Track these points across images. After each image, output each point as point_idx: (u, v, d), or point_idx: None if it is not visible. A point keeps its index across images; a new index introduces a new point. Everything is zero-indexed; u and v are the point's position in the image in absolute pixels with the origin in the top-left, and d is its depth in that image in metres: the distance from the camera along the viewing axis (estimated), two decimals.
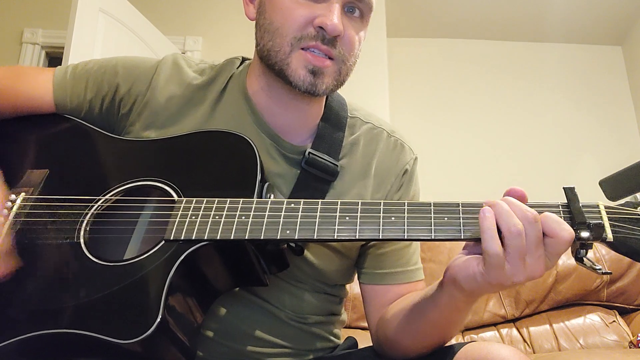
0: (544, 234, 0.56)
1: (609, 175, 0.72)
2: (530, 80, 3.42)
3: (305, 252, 0.80)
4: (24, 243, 0.69)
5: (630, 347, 1.62)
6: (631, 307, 1.79)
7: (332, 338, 0.90)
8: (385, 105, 2.94)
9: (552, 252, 0.57)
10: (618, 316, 1.75)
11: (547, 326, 1.73)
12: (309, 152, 0.81)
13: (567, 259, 1.78)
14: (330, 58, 0.76)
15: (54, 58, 2.97)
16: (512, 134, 3.30)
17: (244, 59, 0.91)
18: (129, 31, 2.57)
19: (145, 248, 0.66)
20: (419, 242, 0.89)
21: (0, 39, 2.96)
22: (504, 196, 0.62)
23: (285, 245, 0.71)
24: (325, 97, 0.88)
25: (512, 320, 1.77)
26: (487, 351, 0.63)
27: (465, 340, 1.69)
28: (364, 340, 0.90)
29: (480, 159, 3.22)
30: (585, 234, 0.57)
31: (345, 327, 0.96)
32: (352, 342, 0.92)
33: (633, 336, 1.66)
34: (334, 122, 0.86)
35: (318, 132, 0.85)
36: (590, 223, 0.57)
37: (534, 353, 1.68)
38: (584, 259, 0.58)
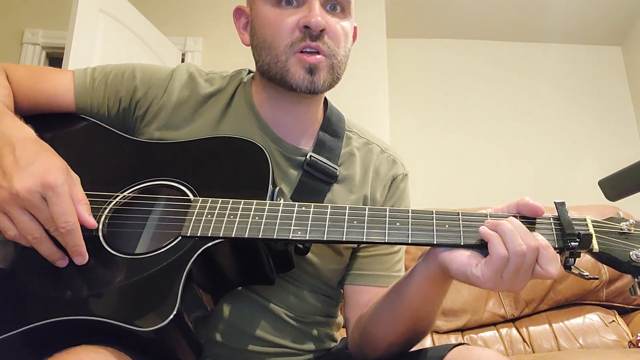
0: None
1: (608, 175, 0.72)
2: (530, 81, 3.42)
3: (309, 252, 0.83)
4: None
5: (629, 347, 1.62)
6: (630, 306, 1.79)
7: (328, 339, 0.92)
8: (384, 105, 2.94)
9: (536, 275, 0.62)
10: (617, 316, 1.75)
11: (547, 326, 1.73)
12: (310, 155, 0.86)
13: None
14: (321, 54, 0.81)
15: (54, 58, 2.97)
16: (512, 133, 3.31)
17: (250, 71, 0.97)
18: (129, 31, 2.57)
19: (160, 243, 0.69)
20: (403, 254, 0.93)
21: (0, 39, 2.96)
22: (517, 204, 0.66)
23: (293, 247, 0.75)
24: (323, 103, 0.93)
25: (512, 320, 1.78)
26: (470, 353, 0.68)
27: (465, 340, 1.70)
28: None
29: (479, 159, 3.23)
30: (574, 244, 0.62)
31: (344, 327, 0.98)
32: (346, 343, 0.93)
33: (632, 336, 1.66)
34: (333, 132, 0.92)
35: (318, 139, 0.90)
36: (580, 233, 0.61)
37: (533, 352, 1.68)
38: (572, 267, 0.63)
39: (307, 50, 0.80)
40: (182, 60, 2.98)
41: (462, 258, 0.63)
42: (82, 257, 0.67)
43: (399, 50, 3.38)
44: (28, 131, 0.73)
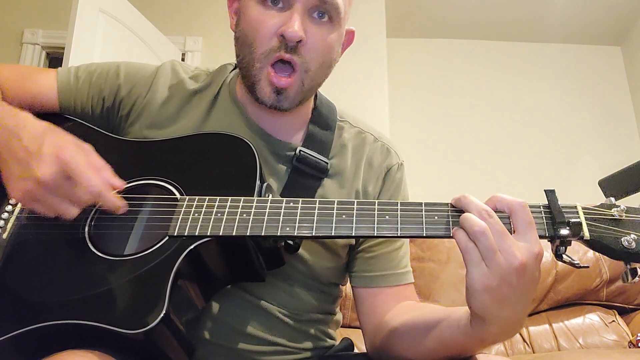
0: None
1: (608, 175, 0.72)
2: (530, 81, 3.43)
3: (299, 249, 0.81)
4: (29, 238, 0.71)
5: (629, 347, 1.62)
6: (630, 306, 1.79)
7: (326, 338, 0.90)
8: (384, 105, 2.94)
9: (519, 230, 0.59)
10: (617, 316, 1.75)
11: (547, 326, 1.73)
12: (300, 150, 0.84)
13: None
14: (293, 68, 0.78)
15: (54, 58, 2.97)
16: (512, 133, 3.31)
17: (235, 66, 0.93)
18: (129, 31, 2.57)
19: (148, 244, 0.68)
20: (408, 247, 0.91)
21: (0, 39, 2.97)
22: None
23: (283, 243, 0.74)
24: (311, 99, 0.90)
25: None
26: None
27: None
28: (362, 340, 0.90)
29: (479, 160, 3.23)
30: (565, 232, 0.61)
31: (344, 327, 0.96)
32: (347, 343, 0.92)
33: (632, 336, 1.67)
34: (323, 124, 0.89)
35: (308, 133, 0.87)
36: (569, 221, 0.61)
37: (533, 353, 1.68)
38: (563, 255, 0.62)
39: (280, 62, 0.77)
40: (182, 60, 2.98)
41: (467, 292, 0.61)
42: (123, 208, 0.71)
43: (399, 50, 3.38)
44: (25, 116, 0.73)
